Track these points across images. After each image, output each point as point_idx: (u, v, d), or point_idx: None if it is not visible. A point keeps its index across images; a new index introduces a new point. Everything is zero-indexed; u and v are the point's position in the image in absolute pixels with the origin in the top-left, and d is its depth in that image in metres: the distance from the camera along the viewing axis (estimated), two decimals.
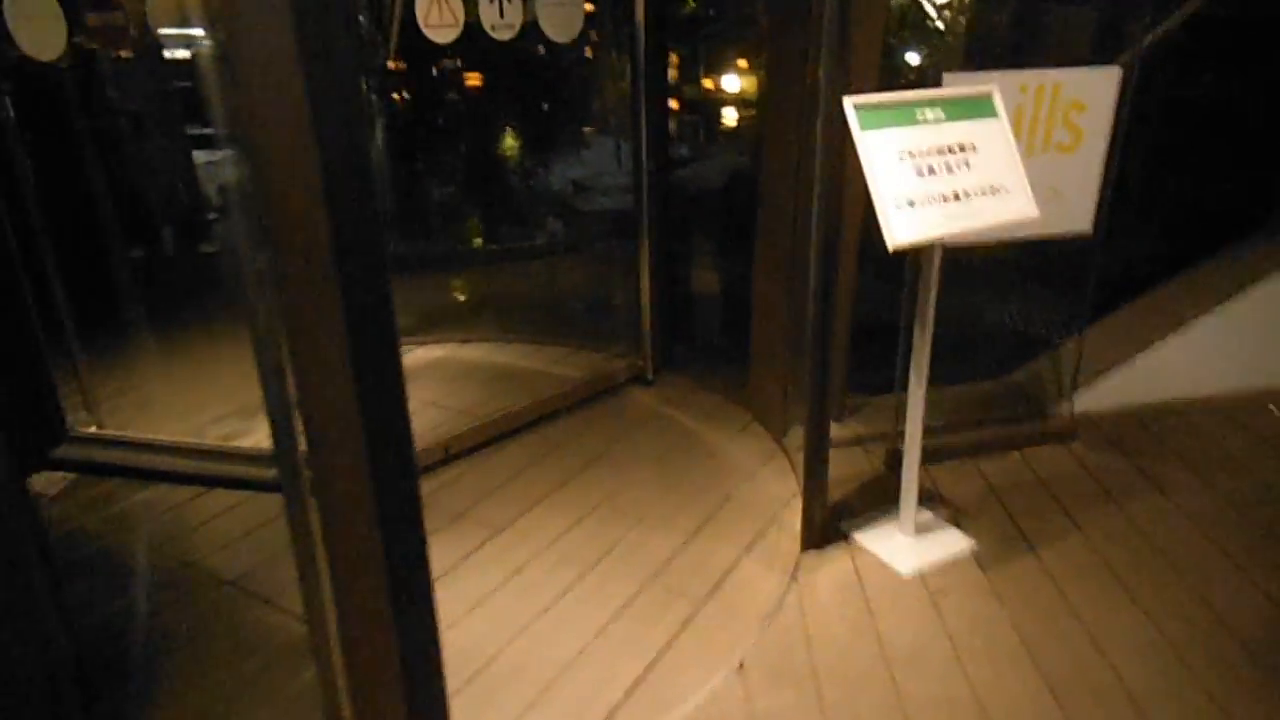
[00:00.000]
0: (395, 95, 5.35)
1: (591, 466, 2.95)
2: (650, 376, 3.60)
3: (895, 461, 2.80)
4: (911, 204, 2.03)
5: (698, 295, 4.21)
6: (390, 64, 5.36)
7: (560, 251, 5.67)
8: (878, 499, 2.70)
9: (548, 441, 3.13)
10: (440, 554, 2.46)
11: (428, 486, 2.85)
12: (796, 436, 2.98)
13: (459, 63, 5.50)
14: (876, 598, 2.24)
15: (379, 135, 5.53)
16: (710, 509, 2.68)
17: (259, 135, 1.18)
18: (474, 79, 5.48)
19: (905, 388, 2.40)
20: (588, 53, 6.01)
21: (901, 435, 2.44)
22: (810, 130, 2.20)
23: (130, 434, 3.09)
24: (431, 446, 2.96)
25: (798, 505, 2.57)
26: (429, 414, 3.34)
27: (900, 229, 1.99)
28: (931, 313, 2.28)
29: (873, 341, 3.02)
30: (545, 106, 6.22)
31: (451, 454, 3.01)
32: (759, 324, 3.21)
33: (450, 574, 2.38)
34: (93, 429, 3.14)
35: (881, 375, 2.98)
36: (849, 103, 1.97)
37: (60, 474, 3.03)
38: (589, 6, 5.92)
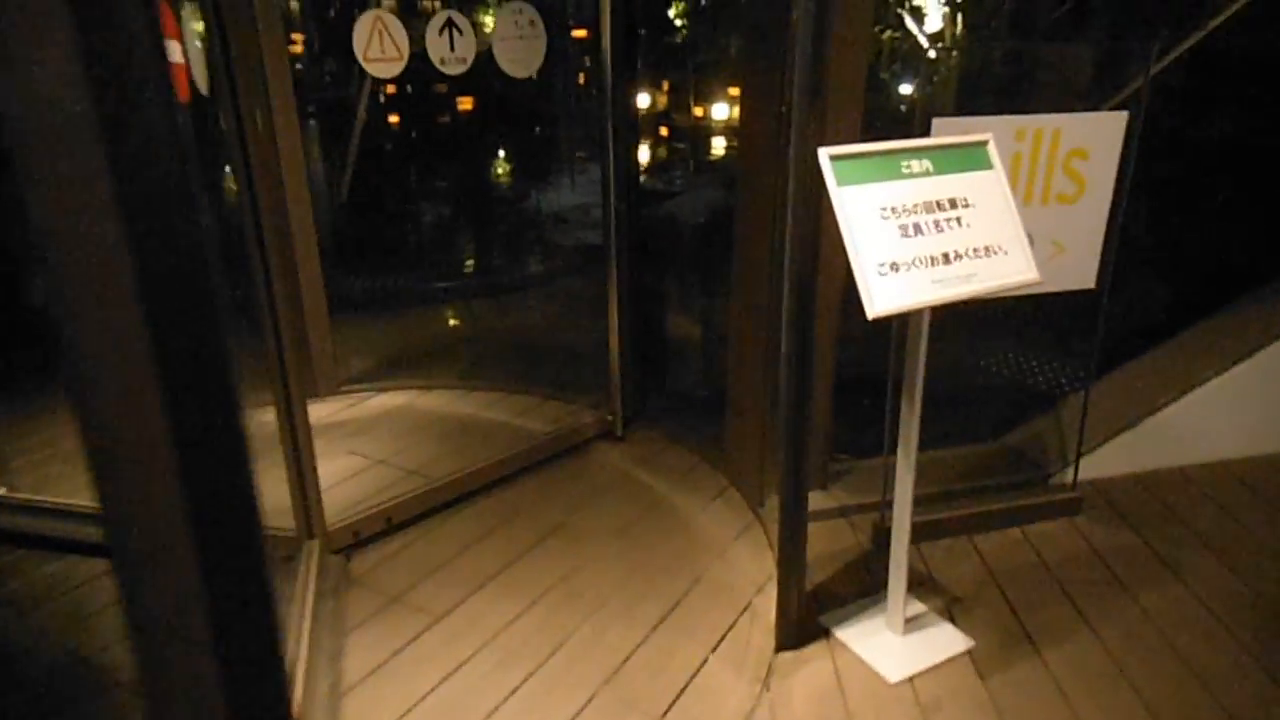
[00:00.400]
0: (363, 126, 5.14)
1: (549, 540, 2.67)
2: (620, 431, 3.33)
3: (883, 538, 2.53)
4: (895, 268, 1.78)
5: (676, 340, 3.96)
6: (362, 92, 5.15)
7: (537, 287, 5.44)
8: (863, 583, 2.43)
9: (503, 508, 2.86)
10: (367, 649, 2.18)
11: (365, 563, 2.57)
12: (775, 505, 2.72)
13: (434, 91, 5.28)
14: (860, 712, 1.96)
15: (348, 167, 5.32)
16: (677, 594, 2.40)
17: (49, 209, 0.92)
18: (448, 110, 5.26)
19: (894, 451, 2.14)
20: (580, 79, 5.80)
21: (890, 508, 2.18)
22: (786, 175, 1.96)
23: (41, 498, 2.81)
24: (373, 515, 2.69)
25: (774, 590, 2.31)
26: (376, 474, 3.07)
27: (881, 297, 1.74)
28: (920, 381, 2.03)
29: (862, 392, 2.77)
30: (525, 135, 6.00)
31: (395, 523, 2.73)
32: (735, 379, 2.95)
33: (374, 675, 2.10)
34: (0, 491, 2.87)
35: (873, 432, 2.73)
36: (824, 154, 1.73)
37: None
38: (581, 33, 5.73)
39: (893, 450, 2.17)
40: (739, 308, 2.88)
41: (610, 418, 3.33)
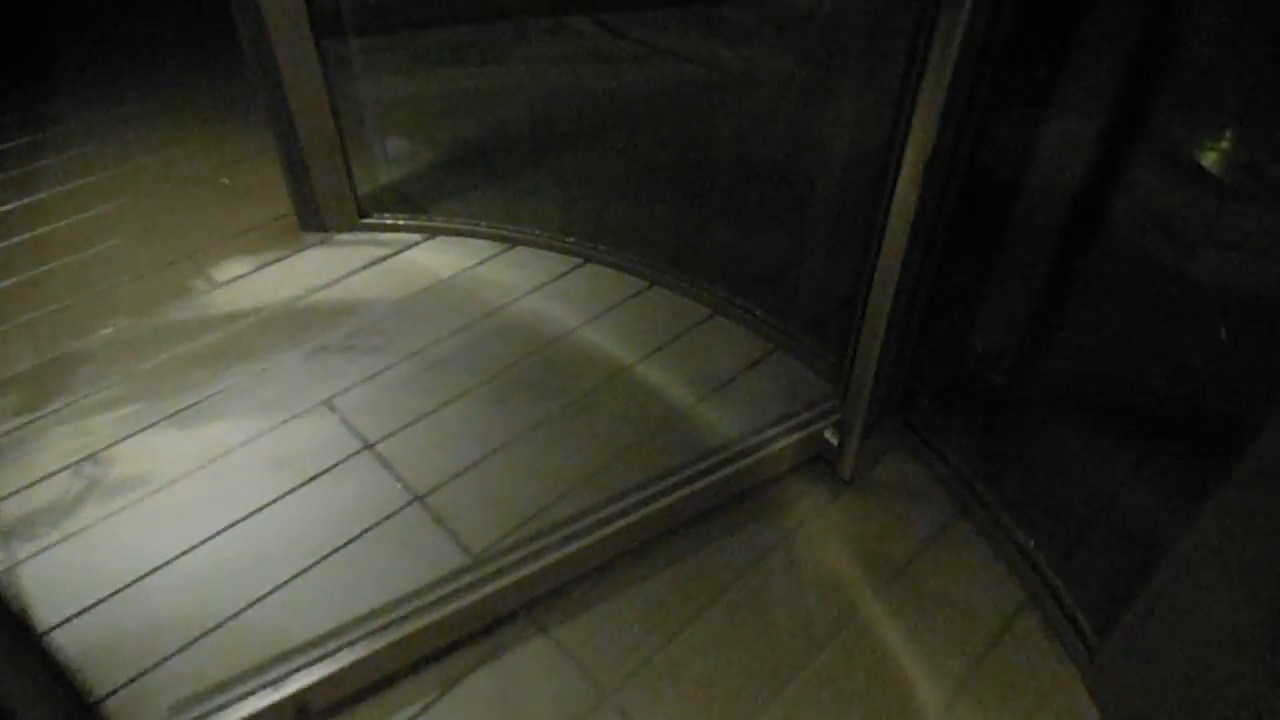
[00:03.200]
0: None
1: None
2: (848, 469, 1.56)
3: None
4: None
5: (1016, 288, 1.94)
6: None
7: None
8: None
9: (550, 684, 1.28)
10: None
11: None
12: None
13: None
14: None
15: None
16: None
17: None
18: None
19: None
20: None
21: None
22: None
23: None
24: (272, 707, 1.18)
25: None
26: (348, 492, 1.53)
27: None
28: None
29: None
30: None
31: (315, 713, 1.23)
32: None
33: None
34: None
35: None
36: None
37: None
38: None
39: None
40: None
41: (833, 436, 1.54)
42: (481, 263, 2.09)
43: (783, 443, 1.52)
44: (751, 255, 2.05)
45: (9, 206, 2.34)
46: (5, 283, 2.06)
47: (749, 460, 1.49)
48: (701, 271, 1.98)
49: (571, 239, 2.10)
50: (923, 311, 1.48)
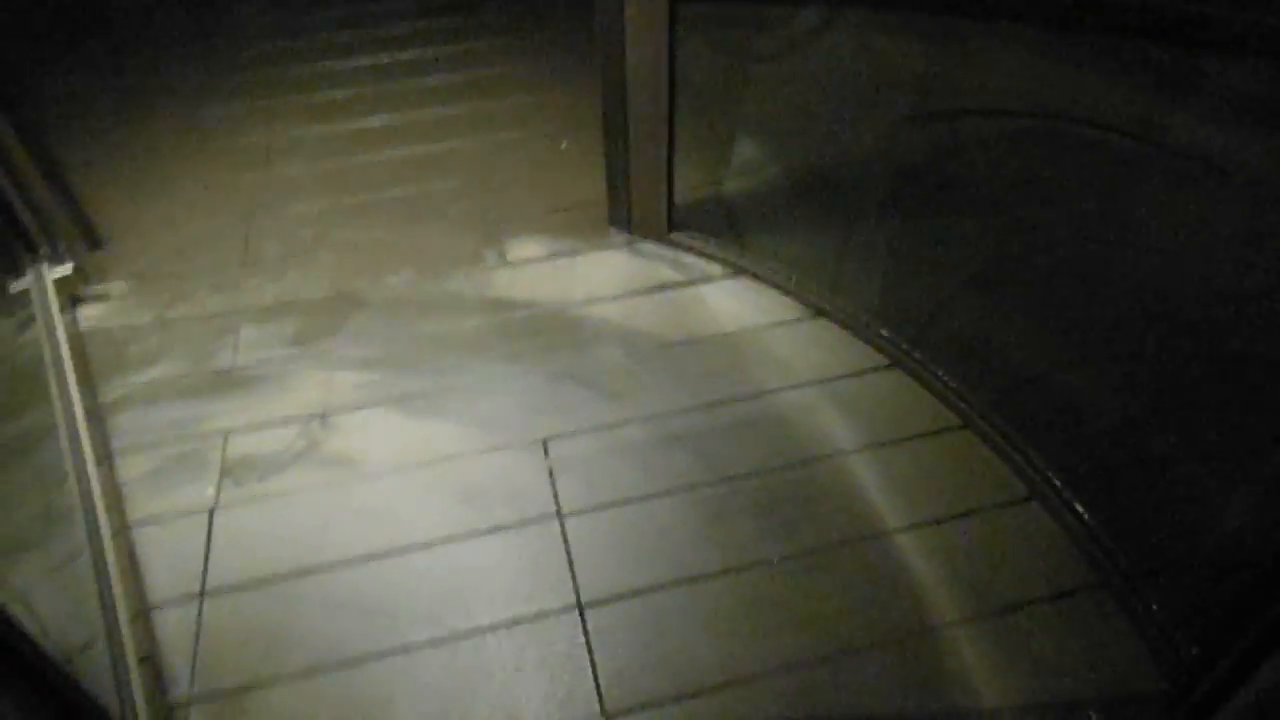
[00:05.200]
0: None
1: None
2: None
3: None
4: None
5: None
6: None
7: None
8: None
9: None
10: None
11: None
12: None
13: None
14: None
15: None
16: None
17: None
18: None
19: None
20: None
21: None
22: None
23: None
24: None
25: None
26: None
27: None
28: None
29: None
30: None
31: None
32: None
33: None
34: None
35: None
36: None
37: None
38: None
39: None
40: None
41: None
42: (774, 326, 1.77)
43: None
44: (1105, 417, 1.49)
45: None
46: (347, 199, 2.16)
47: None
48: (1034, 430, 1.48)
49: (887, 332, 1.69)
50: None
